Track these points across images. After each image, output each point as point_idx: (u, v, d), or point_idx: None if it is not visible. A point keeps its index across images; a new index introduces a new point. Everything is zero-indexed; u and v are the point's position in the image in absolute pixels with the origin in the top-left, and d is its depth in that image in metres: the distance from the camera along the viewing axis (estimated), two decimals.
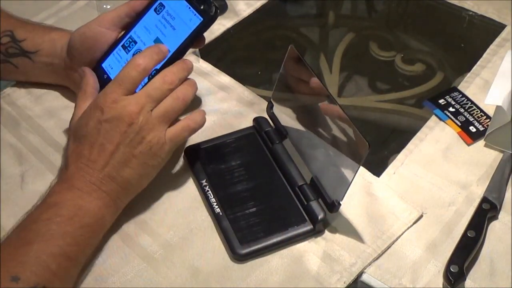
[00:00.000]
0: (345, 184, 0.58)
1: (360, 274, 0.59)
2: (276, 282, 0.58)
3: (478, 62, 0.80)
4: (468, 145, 0.70)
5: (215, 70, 0.81)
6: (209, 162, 0.68)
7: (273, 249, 0.60)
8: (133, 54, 0.67)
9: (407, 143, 0.71)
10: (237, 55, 0.91)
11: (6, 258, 0.52)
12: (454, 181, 0.66)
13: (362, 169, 0.66)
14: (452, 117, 0.73)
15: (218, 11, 0.64)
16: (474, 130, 0.71)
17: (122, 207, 0.62)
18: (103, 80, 0.68)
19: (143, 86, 0.61)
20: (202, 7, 0.64)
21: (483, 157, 0.69)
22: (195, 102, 0.75)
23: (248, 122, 0.73)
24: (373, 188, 0.66)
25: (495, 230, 0.62)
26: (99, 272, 0.59)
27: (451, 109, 0.74)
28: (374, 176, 0.67)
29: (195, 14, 0.65)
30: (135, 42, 0.68)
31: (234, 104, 0.76)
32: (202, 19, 0.64)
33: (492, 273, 0.58)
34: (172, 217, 0.64)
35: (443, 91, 0.77)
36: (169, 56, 0.64)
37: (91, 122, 0.60)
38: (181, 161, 0.69)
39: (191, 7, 0.65)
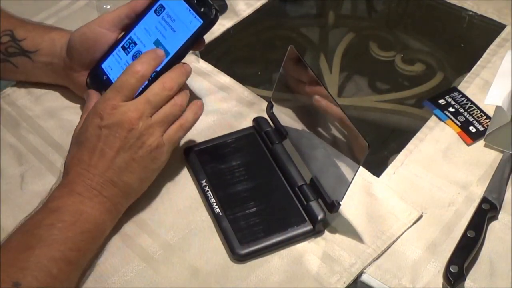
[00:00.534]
0: (345, 184, 0.58)
1: (360, 274, 0.59)
2: (276, 282, 0.58)
3: (478, 62, 0.80)
4: (468, 145, 0.70)
5: (215, 70, 0.81)
6: (209, 162, 0.68)
7: (273, 249, 0.60)
8: (133, 55, 0.67)
9: (407, 143, 0.71)
10: (237, 55, 0.91)
11: (7, 264, 0.52)
12: (454, 181, 0.66)
13: (362, 169, 0.66)
14: (452, 117, 0.73)
15: (219, 13, 0.64)
16: (474, 130, 0.71)
17: (122, 211, 0.62)
18: (103, 80, 0.68)
19: (142, 89, 0.62)
20: (202, 10, 0.64)
21: (483, 157, 0.69)
22: None
23: (248, 122, 0.73)
24: (373, 188, 0.66)
25: (495, 230, 0.62)
26: (99, 272, 0.59)
27: (451, 109, 0.74)
28: (374, 176, 0.67)
29: (195, 17, 0.65)
30: (135, 44, 0.68)
31: (234, 104, 0.76)
32: (202, 21, 0.64)
33: (492, 273, 0.58)
34: (172, 217, 0.64)
35: (443, 91, 0.77)
36: (169, 58, 0.64)
37: (90, 128, 0.60)
38: (181, 162, 0.69)
39: (191, 10, 0.65)
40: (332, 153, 0.61)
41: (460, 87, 0.77)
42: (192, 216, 0.64)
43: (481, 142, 0.70)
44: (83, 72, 0.70)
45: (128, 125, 0.60)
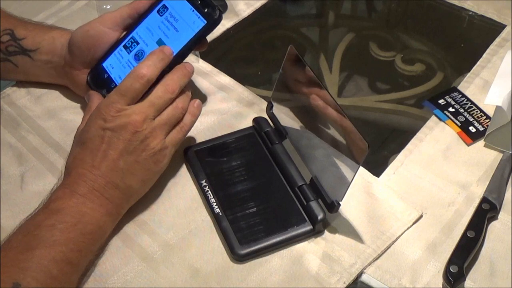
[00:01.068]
0: (345, 184, 0.58)
1: (360, 275, 0.59)
2: (275, 282, 0.58)
3: (478, 62, 0.80)
4: (468, 145, 0.70)
5: (215, 70, 0.81)
6: (209, 163, 0.68)
7: (273, 250, 0.60)
8: (135, 54, 0.68)
9: (407, 143, 0.71)
10: (237, 55, 0.91)
11: (7, 264, 0.52)
12: (454, 181, 0.66)
13: (362, 169, 0.66)
14: (452, 117, 0.73)
15: (222, 14, 0.64)
16: (474, 130, 0.71)
17: (123, 213, 0.62)
18: (104, 79, 0.68)
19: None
20: (206, 10, 0.64)
21: (483, 157, 0.69)
22: None
23: (247, 122, 0.73)
24: (373, 188, 0.66)
25: (495, 230, 0.62)
26: (99, 272, 0.59)
27: (451, 109, 0.74)
28: (374, 176, 0.67)
29: (199, 17, 0.65)
30: (137, 43, 0.68)
31: (234, 104, 0.76)
32: (205, 22, 0.64)
33: (492, 273, 0.58)
34: (172, 218, 0.64)
35: (443, 91, 0.77)
36: (171, 58, 0.64)
37: (93, 129, 0.60)
38: (180, 162, 0.69)
39: (195, 10, 0.65)
40: (332, 153, 0.61)
41: (460, 87, 0.77)
42: (192, 216, 0.64)
43: (481, 142, 0.70)
44: (84, 71, 0.70)
45: (132, 127, 0.60)
